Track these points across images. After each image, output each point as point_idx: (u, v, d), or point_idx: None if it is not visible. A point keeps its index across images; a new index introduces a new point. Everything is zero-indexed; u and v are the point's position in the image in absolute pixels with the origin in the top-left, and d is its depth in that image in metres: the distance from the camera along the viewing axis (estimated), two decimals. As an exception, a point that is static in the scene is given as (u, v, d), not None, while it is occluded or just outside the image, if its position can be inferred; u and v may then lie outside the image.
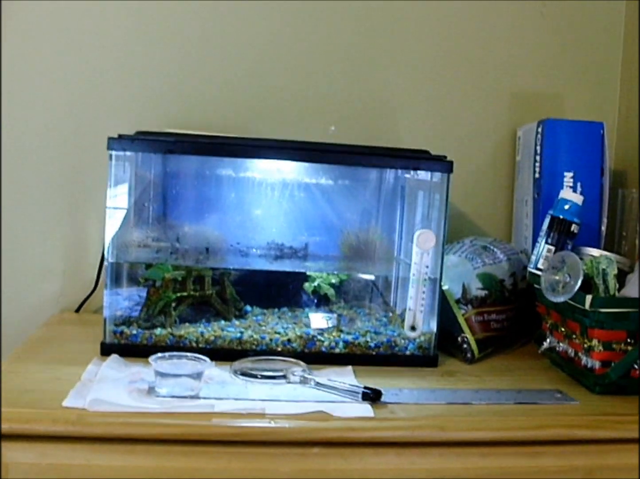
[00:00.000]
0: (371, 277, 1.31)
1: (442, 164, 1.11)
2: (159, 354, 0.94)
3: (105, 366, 1.00)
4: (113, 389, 0.91)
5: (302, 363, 1.05)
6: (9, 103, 1.34)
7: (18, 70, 1.34)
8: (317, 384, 0.98)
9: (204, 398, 0.90)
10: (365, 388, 0.94)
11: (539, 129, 1.33)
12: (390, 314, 1.27)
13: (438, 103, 1.46)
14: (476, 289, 1.22)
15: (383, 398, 0.94)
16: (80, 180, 1.37)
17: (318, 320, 1.20)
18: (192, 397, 0.90)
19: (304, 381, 0.99)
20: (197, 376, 0.92)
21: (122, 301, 1.13)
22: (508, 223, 1.49)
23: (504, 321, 1.25)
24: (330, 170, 1.24)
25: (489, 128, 1.48)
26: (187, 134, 1.09)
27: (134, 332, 1.09)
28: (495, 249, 1.29)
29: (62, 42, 1.35)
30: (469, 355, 1.18)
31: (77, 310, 1.37)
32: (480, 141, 1.48)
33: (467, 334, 1.18)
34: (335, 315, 1.22)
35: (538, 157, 1.33)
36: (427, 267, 1.11)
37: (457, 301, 1.21)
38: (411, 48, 1.44)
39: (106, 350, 1.07)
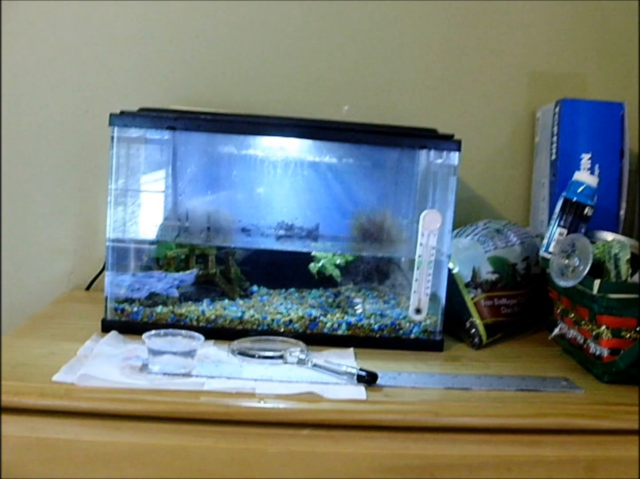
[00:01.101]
0: (379, 257, 1.29)
1: (450, 142, 1.08)
2: (153, 332, 0.94)
3: (102, 343, 0.99)
4: (105, 365, 0.90)
5: (301, 343, 1.04)
6: (18, 83, 1.34)
7: (27, 50, 1.34)
8: (314, 365, 0.96)
9: (196, 376, 0.90)
10: (361, 370, 0.92)
11: (556, 110, 1.28)
12: (398, 297, 1.24)
13: (454, 83, 1.42)
14: (487, 273, 1.19)
15: (379, 381, 0.92)
16: (92, 159, 1.37)
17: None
18: (184, 375, 0.90)
19: (301, 361, 0.97)
20: (190, 353, 0.92)
21: (124, 277, 1.13)
22: (526, 207, 1.45)
23: (515, 306, 1.21)
24: (340, 149, 1.22)
25: (508, 109, 1.43)
26: (193, 111, 1.08)
27: (135, 309, 1.09)
28: (508, 233, 1.26)
29: (70, 23, 1.34)
30: (476, 340, 1.15)
31: (88, 288, 1.38)
32: (498, 122, 1.44)
33: (476, 319, 1.16)
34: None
35: (555, 139, 1.28)
36: (433, 248, 1.09)
37: (467, 285, 1.18)
38: (427, 27, 1.40)
39: (106, 327, 1.07)
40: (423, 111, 1.42)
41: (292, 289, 1.26)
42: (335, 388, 0.90)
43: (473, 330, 1.15)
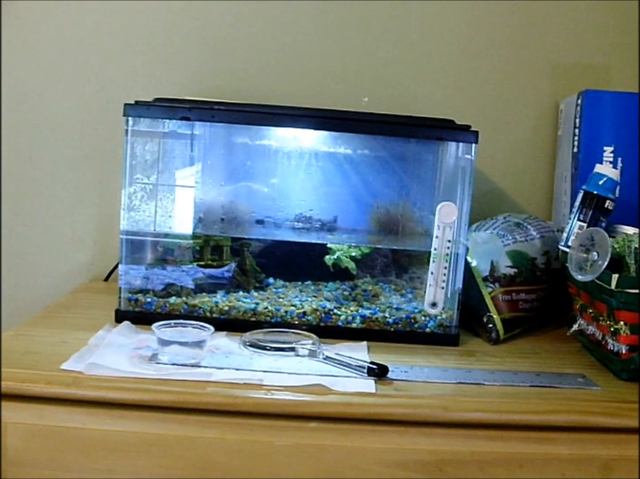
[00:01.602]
0: (397, 250, 1.27)
1: (467, 134, 1.06)
2: (163, 322, 0.94)
3: (114, 332, 1.00)
4: (115, 354, 0.90)
5: (314, 336, 1.03)
6: (38, 76, 1.36)
7: (46, 44, 1.35)
8: (326, 358, 0.95)
9: (205, 367, 0.89)
10: (371, 363, 0.91)
11: (579, 101, 1.25)
12: (416, 291, 1.23)
13: (475, 75, 1.40)
14: (505, 267, 1.17)
15: (390, 375, 0.91)
16: (112, 150, 1.37)
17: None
18: (192, 365, 0.89)
19: (312, 354, 0.97)
20: (199, 344, 0.91)
21: (139, 268, 1.13)
22: (548, 200, 1.42)
23: (534, 301, 1.19)
24: (358, 140, 1.20)
25: (530, 101, 1.41)
26: (208, 101, 1.07)
27: (149, 300, 1.09)
28: (528, 226, 1.23)
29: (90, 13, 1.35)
30: (493, 335, 1.13)
31: (106, 279, 1.39)
32: (520, 114, 1.41)
33: (493, 314, 1.14)
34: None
35: (577, 131, 1.26)
36: (449, 241, 1.07)
37: (485, 279, 1.16)
38: (447, 17, 1.38)
39: (120, 317, 1.07)
40: (443, 103, 1.40)
41: (308, 282, 1.25)
42: (344, 380, 0.89)
43: (490, 325, 1.13)
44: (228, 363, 0.91)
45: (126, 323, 1.04)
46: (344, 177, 1.29)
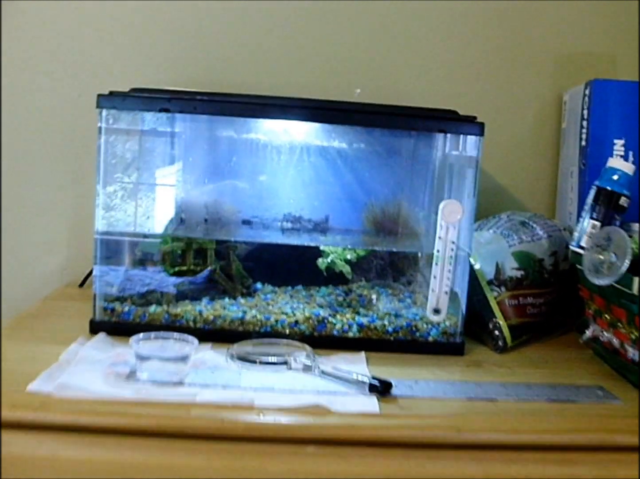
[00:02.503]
0: (394, 252, 1.19)
1: (472, 125, 0.98)
2: (142, 335, 0.85)
3: (88, 346, 0.90)
4: (88, 372, 0.81)
5: (307, 347, 0.94)
6: (4, 64, 1.25)
7: (11, 30, 1.25)
8: (322, 372, 0.87)
9: (188, 385, 0.80)
10: (373, 378, 0.83)
11: (586, 91, 1.18)
12: (415, 295, 1.14)
13: (474, 65, 1.32)
14: (511, 269, 1.09)
15: (394, 391, 0.83)
16: (85, 146, 1.28)
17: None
18: (174, 383, 0.80)
19: (306, 368, 0.88)
20: (182, 359, 0.82)
21: (115, 273, 1.04)
22: (551, 197, 1.35)
23: (542, 306, 1.11)
24: (352, 133, 1.12)
25: (532, 92, 1.33)
26: (188, 91, 0.98)
27: (126, 309, 0.99)
28: (534, 225, 1.15)
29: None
30: (500, 343, 1.05)
31: (81, 284, 1.29)
32: (521, 106, 1.33)
33: (499, 320, 1.06)
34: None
35: (585, 123, 1.18)
36: (453, 243, 0.99)
37: (489, 282, 1.08)
38: (444, 5, 1.29)
39: (95, 328, 0.98)
40: (439, 95, 1.32)
41: (299, 287, 1.16)
42: (344, 399, 0.80)
43: (496, 332, 1.06)
44: (214, 379, 0.82)
45: (101, 335, 0.94)
46: (336, 173, 1.21)
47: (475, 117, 0.98)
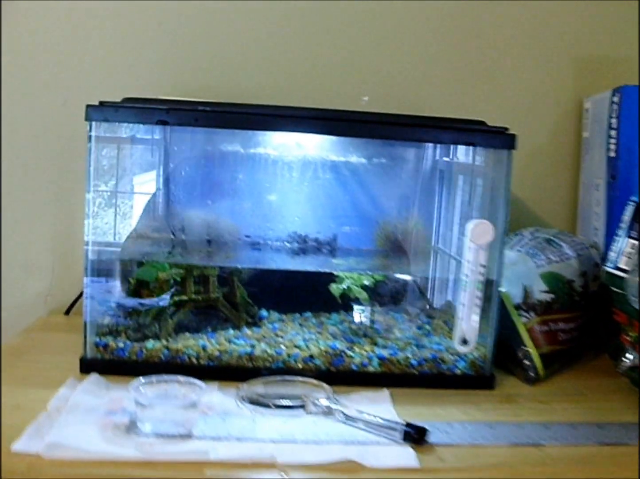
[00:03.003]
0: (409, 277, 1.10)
1: (502, 137, 0.89)
2: (142, 379, 0.74)
3: (80, 390, 0.80)
4: (82, 424, 0.71)
5: (326, 386, 0.84)
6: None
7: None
8: (345, 417, 0.77)
9: (198, 438, 0.70)
10: (407, 425, 0.73)
11: (615, 99, 1.09)
12: (434, 321, 1.05)
13: (488, 72, 1.23)
14: (540, 292, 1.00)
15: (429, 437, 0.73)
16: (70, 161, 1.17)
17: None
18: (182, 436, 0.70)
19: (327, 412, 0.78)
20: (190, 407, 0.72)
21: (108, 306, 0.94)
22: (572, 212, 1.26)
23: (573, 331, 1.03)
24: (364, 146, 1.03)
25: (549, 100, 1.25)
26: (186, 101, 0.88)
27: (121, 345, 0.89)
28: (561, 244, 1.07)
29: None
30: (531, 374, 0.96)
31: (67, 312, 1.18)
32: (538, 114, 1.25)
33: (530, 348, 0.97)
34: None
35: (613, 133, 1.09)
36: (482, 266, 0.89)
37: (517, 307, 0.99)
38: (457, 6, 1.21)
39: (86, 367, 0.87)
40: (453, 104, 1.23)
41: (307, 314, 1.06)
42: (376, 450, 0.70)
43: (526, 361, 0.97)
44: (227, 430, 0.72)
45: (94, 377, 0.84)
46: (344, 189, 1.11)
47: (506, 129, 0.89)
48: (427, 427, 0.74)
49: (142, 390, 0.73)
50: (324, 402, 0.79)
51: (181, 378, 0.76)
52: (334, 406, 0.78)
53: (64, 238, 1.20)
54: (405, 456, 0.69)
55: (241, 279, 1.00)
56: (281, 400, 0.79)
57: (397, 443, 0.72)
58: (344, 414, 0.77)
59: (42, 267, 1.20)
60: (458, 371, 0.93)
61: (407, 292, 1.09)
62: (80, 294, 1.17)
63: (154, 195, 1.03)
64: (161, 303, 0.94)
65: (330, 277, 1.04)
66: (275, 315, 1.04)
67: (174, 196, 1.07)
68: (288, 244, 1.10)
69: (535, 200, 1.27)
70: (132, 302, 0.95)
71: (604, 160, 1.12)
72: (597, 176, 1.15)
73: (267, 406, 0.79)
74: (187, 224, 1.05)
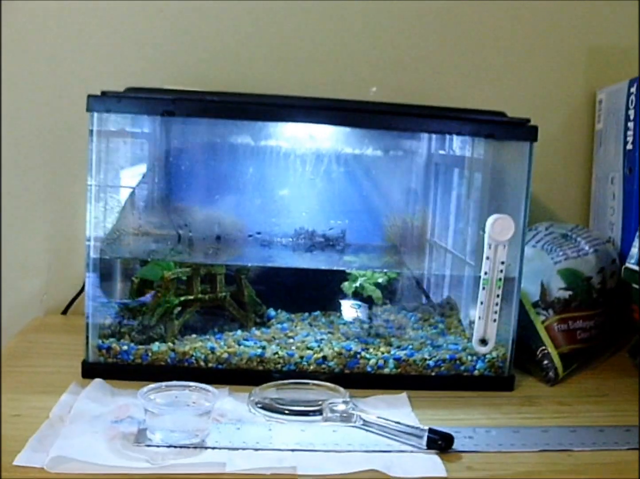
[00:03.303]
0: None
1: (524, 129, 0.85)
2: (152, 386, 0.70)
3: (83, 396, 0.76)
4: (88, 433, 0.66)
5: (341, 389, 0.80)
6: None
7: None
8: (364, 423, 0.73)
9: (212, 448, 0.66)
10: (431, 432, 0.69)
11: (632, 89, 1.06)
12: (447, 320, 1.01)
13: (497, 62, 1.19)
14: (558, 290, 0.97)
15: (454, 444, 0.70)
16: (66, 155, 1.12)
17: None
18: (195, 447, 0.66)
19: (346, 418, 0.74)
20: (203, 415, 0.68)
21: (111, 307, 0.90)
22: (585, 206, 1.23)
23: (592, 330, 0.99)
24: (376, 138, 0.99)
25: (561, 91, 1.21)
26: (193, 91, 0.84)
27: (125, 348, 0.85)
28: (578, 239, 1.03)
29: None
30: (551, 374, 0.93)
31: (65, 312, 1.14)
32: (550, 106, 1.21)
33: (549, 348, 0.93)
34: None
35: (631, 124, 1.06)
36: (502, 263, 0.86)
37: (535, 305, 0.96)
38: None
39: (89, 371, 0.83)
40: (461, 94, 1.19)
41: (317, 313, 1.02)
42: (400, 458, 0.67)
43: (546, 361, 0.93)
44: (242, 439, 0.68)
45: (97, 382, 0.80)
46: (352, 182, 1.07)
47: (527, 120, 0.85)
48: (452, 435, 0.70)
49: (152, 397, 0.69)
50: (341, 407, 0.75)
51: (192, 383, 0.72)
52: (352, 411, 0.74)
53: (60, 235, 1.15)
54: (432, 464, 0.66)
55: (248, 278, 0.96)
56: (296, 406, 0.75)
57: (421, 450, 0.69)
58: (363, 420, 0.73)
59: (38, 265, 1.15)
60: (476, 372, 0.89)
61: (418, 288, 1.06)
62: (79, 293, 1.13)
63: (155, 189, 0.98)
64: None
65: (341, 275, 1.01)
66: (283, 315, 1.00)
67: (176, 191, 1.02)
68: (295, 241, 1.05)
69: (546, 194, 1.23)
70: (133, 302, 0.91)
71: (620, 153, 1.09)
72: (612, 169, 1.12)
73: (281, 412, 0.75)
74: (190, 221, 1.00)
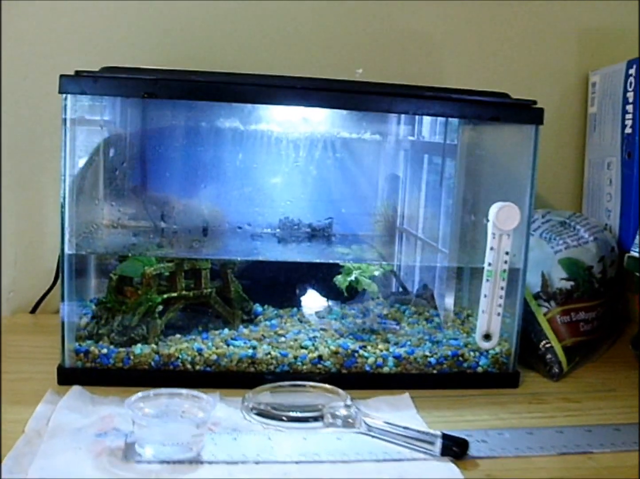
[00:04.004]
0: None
1: (529, 112, 0.80)
2: (140, 394, 0.64)
3: (62, 407, 0.69)
4: (70, 451, 0.60)
5: (341, 391, 0.75)
6: None
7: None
8: (369, 428, 0.68)
9: (209, 463, 0.60)
10: (445, 437, 0.64)
11: (631, 71, 1.02)
12: (443, 313, 0.97)
13: (488, 41, 1.15)
14: (559, 280, 0.93)
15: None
16: (34, 142, 1.04)
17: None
18: (191, 462, 0.60)
19: (349, 423, 0.69)
20: (198, 426, 0.62)
21: (87, 306, 0.83)
22: (577, 192, 1.19)
23: (594, 321, 0.96)
24: (359, 120, 0.93)
25: (552, 74, 1.17)
26: (174, 70, 0.77)
27: (105, 351, 0.78)
28: (577, 226, 0.99)
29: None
30: (555, 369, 0.88)
31: (33, 311, 1.06)
32: (541, 89, 1.16)
33: (552, 341, 0.89)
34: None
35: (630, 107, 1.02)
36: (507, 254, 0.81)
37: (536, 296, 0.92)
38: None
39: (65, 378, 0.76)
40: (447, 76, 1.14)
41: (305, 308, 0.97)
42: (412, 466, 0.62)
43: (549, 356, 0.89)
44: (241, 451, 0.62)
45: (76, 389, 0.73)
46: (339, 168, 1.02)
47: (534, 102, 0.81)
48: (464, 437, 0.65)
49: (140, 405, 0.63)
50: (343, 412, 0.70)
51: (183, 390, 0.65)
52: (355, 416, 0.69)
53: (27, 227, 1.07)
54: (448, 473, 0.61)
55: (235, 272, 0.90)
56: (294, 411, 0.70)
57: (434, 457, 0.64)
58: (368, 425, 0.68)
59: (4, 260, 1.07)
60: (480, 369, 0.84)
61: (411, 280, 1.01)
62: (49, 290, 1.05)
63: (133, 179, 0.91)
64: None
65: (332, 268, 0.95)
66: (270, 311, 0.94)
67: (155, 180, 0.95)
68: (281, 232, 1.00)
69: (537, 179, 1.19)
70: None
71: (617, 137, 1.05)
72: (608, 154, 1.08)
73: (279, 418, 0.69)
74: (172, 212, 0.94)
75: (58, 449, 0.60)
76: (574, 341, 0.91)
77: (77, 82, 0.72)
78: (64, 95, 0.72)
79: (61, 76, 0.72)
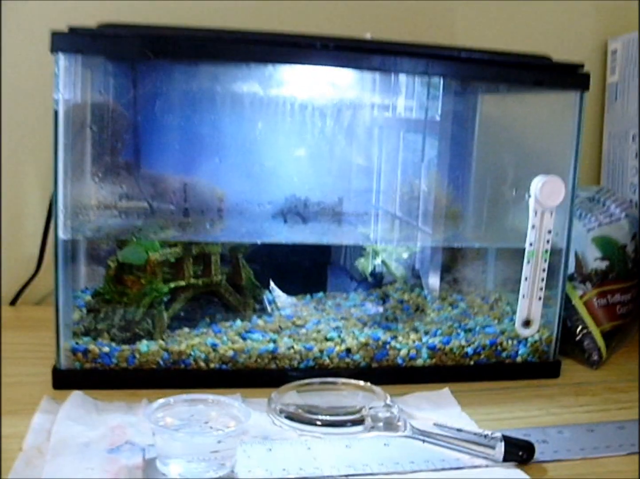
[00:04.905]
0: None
1: (576, 77, 0.73)
2: (161, 401, 0.55)
3: (63, 417, 0.59)
4: (81, 472, 0.51)
5: (377, 389, 0.67)
6: None
7: None
8: (418, 431, 0.60)
9: (247, 480, 0.51)
10: (509, 441, 0.57)
11: (660, 34, 0.95)
12: (468, 298, 0.89)
13: (500, 6, 1.06)
14: (594, 260, 0.86)
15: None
16: (15, 118, 0.94)
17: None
18: (225, 480, 0.51)
19: (392, 426, 0.61)
20: (232, 439, 0.53)
21: (83, 298, 0.73)
22: (594, 166, 1.12)
23: (629, 303, 0.89)
24: (389, 84, 0.84)
25: (569, 41, 1.09)
26: (177, 27, 0.67)
27: (106, 349, 0.68)
28: (607, 202, 0.92)
29: None
30: (595, 356, 0.82)
31: (13, 302, 0.96)
32: (557, 56, 1.09)
33: (591, 326, 0.83)
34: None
35: (660, 73, 0.95)
36: (549, 233, 0.74)
37: (571, 278, 0.85)
38: None
39: (62, 381, 0.67)
40: (459, 37, 1.06)
41: (319, 295, 0.88)
42: (477, 475, 0.54)
43: (587, 342, 0.83)
44: (280, 465, 0.54)
45: (77, 395, 0.63)
46: (349, 141, 0.92)
47: (581, 65, 0.73)
48: (533, 444, 0.58)
49: (160, 416, 0.54)
50: (384, 413, 0.62)
51: (210, 397, 0.56)
52: (396, 416, 0.61)
53: (6, 214, 0.97)
54: (518, 482, 0.53)
55: (245, 257, 0.81)
56: (330, 414, 0.61)
57: (497, 463, 0.56)
58: (415, 428, 0.60)
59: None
60: (519, 359, 0.77)
61: (433, 263, 0.93)
62: (30, 279, 0.95)
63: (135, 153, 0.81)
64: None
65: (347, 250, 0.87)
66: (284, 299, 0.85)
67: (142, 154, 0.85)
68: (286, 211, 0.90)
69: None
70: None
71: (643, 107, 0.98)
72: (630, 126, 1.01)
73: (313, 423, 0.61)
74: (168, 190, 0.84)
75: (66, 472, 0.51)
76: (612, 326, 0.85)
77: (72, 40, 0.62)
78: (57, 53, 0.62)
79: (53, 34, 0.62)
